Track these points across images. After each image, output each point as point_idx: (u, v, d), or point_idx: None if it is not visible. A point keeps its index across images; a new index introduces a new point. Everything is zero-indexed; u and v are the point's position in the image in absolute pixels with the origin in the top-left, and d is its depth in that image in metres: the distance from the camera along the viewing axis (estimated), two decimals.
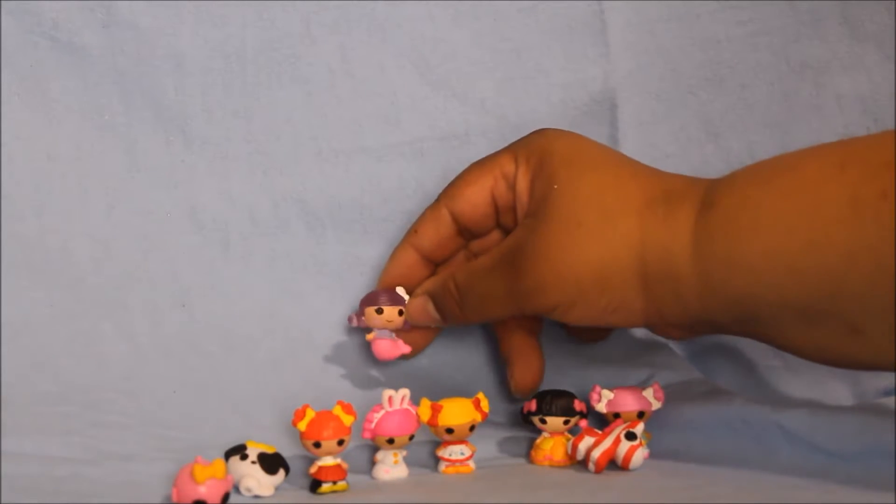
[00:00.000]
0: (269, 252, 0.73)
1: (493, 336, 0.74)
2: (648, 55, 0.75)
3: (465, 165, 0.72)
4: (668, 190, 0.63)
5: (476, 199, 0.68)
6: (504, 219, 0.69)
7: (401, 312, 0.68)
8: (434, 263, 0.70)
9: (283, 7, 0.72)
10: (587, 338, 0.73)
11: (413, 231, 0.70)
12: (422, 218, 0.70)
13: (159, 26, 0.71)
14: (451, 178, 0.72)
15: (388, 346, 0.68)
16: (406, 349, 0.68)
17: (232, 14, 0.71)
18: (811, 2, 0.75)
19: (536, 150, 0.66)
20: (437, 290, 0.68)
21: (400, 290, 0.68)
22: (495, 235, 0.69)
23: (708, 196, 0.61)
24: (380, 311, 0.67)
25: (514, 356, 0.70)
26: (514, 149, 0.68)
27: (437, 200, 0.69)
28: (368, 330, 0.68)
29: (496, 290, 0.65)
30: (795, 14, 0.75)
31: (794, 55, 0.76)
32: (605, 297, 0.62)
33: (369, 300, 0.68)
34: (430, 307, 0.68)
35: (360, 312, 0.68)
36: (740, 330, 0.62)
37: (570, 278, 0.63)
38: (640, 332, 0.76)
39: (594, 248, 0.63)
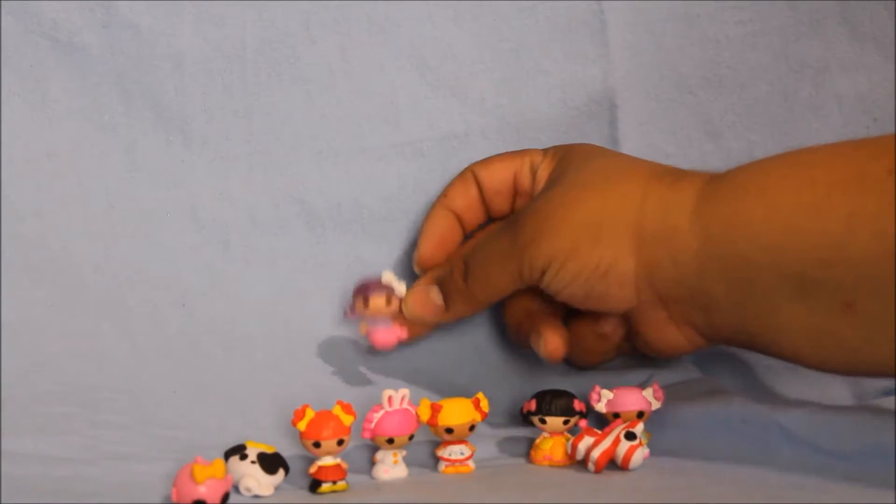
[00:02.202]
0: (269, 252, 0.73)
1: (493, 335, 0.74)
2: (648, 55, 0.75)
3: (465, 165, 0.72)
4: (679, 171, 0.66)
5: (499, 172, 0.71)
6: (519, 203, 0.70)
7: (389, 301, 0.67)
8: (464, 230, 0.71)
9: (283, 7, 0.72)
10: (585, 360, 0.72)
11: (443, 195, 0.71)
12: (450, 183, 0.72)
13: (159, 26, 0.71)
14: (451, 178, 0.72)
15: (384, 334, 0.68)
16: (403, 334, 0.68)
17: (232, 14, 0.71)
18: (811, 2, 0.75)
19: (563, 148, 0.70)
20: (442, 271, 0.69)
21: (387, 277, 0.68)
22: None
23: (721, 172, 0.64)
24: (365, 302, 0.67)
25: (541, 324, 0.69)
26: (546, 148, 0.71)
27: (466, 168, 0.72)
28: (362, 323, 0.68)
29: (498, 248, 0.66)
30: (795, 14, 0.75)
31: (793, 55, 0.76)
32: (598, 252, 0.63)
33: (356, 291, 0.67)
34: (434, 292, 0.68)
35: (351, 304, 0.68)
36: (733, 312, 0.62)
37: (566, 230, 0.64)
38: None
39: (593, 203, 0.64)
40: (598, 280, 0.64)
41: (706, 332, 0.65)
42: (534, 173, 0.70)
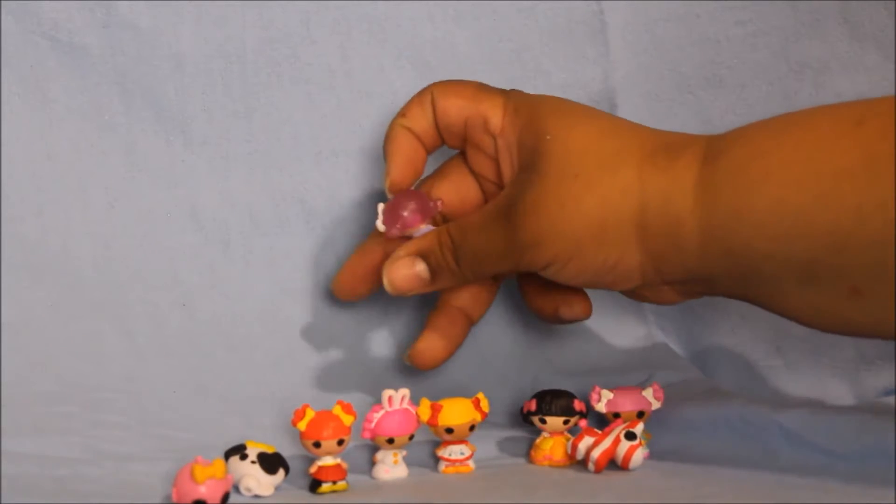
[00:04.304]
0: (269, 252, 0.73)
1: (494, 335, 0.74)
2: (648, 55, 0.75)
3: None
4: (668, 142, 0.62)
5: (452, 110, 0.67)
6: (472, 153, 0.68)
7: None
8: (426, 151, 0.68)
9: (283, 7, 0.72)
10: (548, 312, 0.70)
11: (401, 114, 0.68)
12: (409, 102, 0.68)
13: (159, 26, 0.71)
14: None
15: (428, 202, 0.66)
16: (442, 205, 0.67)
17: (232, 14, 0.71)
18: (811, 2, 0.75)
19: (525, 102, 0.66)
20: (429, 245, 0.65)
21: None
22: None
23: (712, 147, 0.61)
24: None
25: (428, 327, 0.69)
26: (505, 95, 0.66)
27: (427, 88, 0.68)
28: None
29: (492, 246, 0.63)
30: (795, 14, 0.75)
31: (793, 55, 0.76)
32: (603, 252, 0.61)
33: (388, 208, 0.66)
34: (420, 266, 0.65)
35: (388, 218, 0.66)
36: (737, 289, 0.61)
37: (568, 232, 0.61)
38: (639, 332, 0.76)
39: (592, 201, 0.61)
40: (605, 274, 0.62)
41: (708, 295, 0.64)
42: (491, 132, 0.66)
